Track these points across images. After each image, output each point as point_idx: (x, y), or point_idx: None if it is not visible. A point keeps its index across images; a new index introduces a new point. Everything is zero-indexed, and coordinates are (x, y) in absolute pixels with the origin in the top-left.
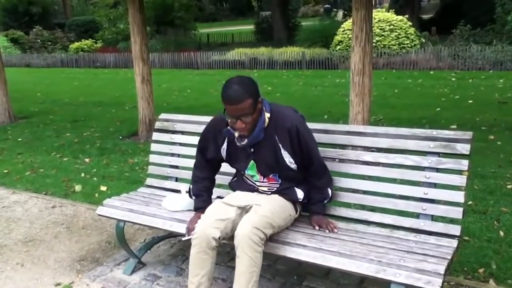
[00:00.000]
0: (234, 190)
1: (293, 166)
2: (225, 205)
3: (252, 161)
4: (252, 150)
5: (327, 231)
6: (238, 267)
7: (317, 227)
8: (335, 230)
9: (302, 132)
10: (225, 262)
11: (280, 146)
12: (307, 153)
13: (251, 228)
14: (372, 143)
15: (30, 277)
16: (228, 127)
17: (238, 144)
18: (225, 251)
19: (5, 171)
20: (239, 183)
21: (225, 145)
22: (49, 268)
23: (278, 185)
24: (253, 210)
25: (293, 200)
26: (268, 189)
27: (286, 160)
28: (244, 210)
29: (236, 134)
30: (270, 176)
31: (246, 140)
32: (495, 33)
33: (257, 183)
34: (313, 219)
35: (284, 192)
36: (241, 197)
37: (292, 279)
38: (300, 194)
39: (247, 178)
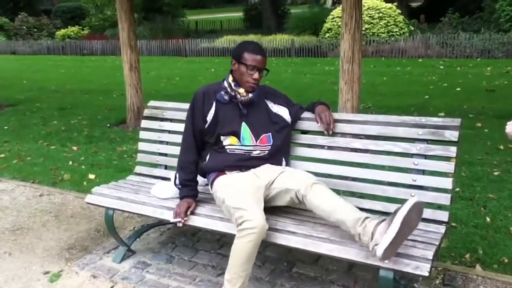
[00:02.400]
0: (211, 171)
1: (288, 118)
2: (257, 188)
3: (243, 124)
4: (245, 111)
5: (325, 132)
6: (335, 201)
7: (318, 118)
8: (330, 132)
9: (274, 91)
10: (215, 250)
11: (272, 103)
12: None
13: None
14: (361, 130)
15: (19, 265)
16: (228, 88)
17: (242, 98)
18: (215, 239)
19: None
20: (222, 158)
21: (212, 109)
22: (37, 256)
23: (270, 147)
24: (291, 173)
25: None
26: (261, 151)
27: (284, 115)
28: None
29: (241, 91)
30: (262, 136)
31: (250, 95)
32: (483, 21)
33: (250, 148)
34: (316, 110)
35: (274, 162)
36: (261, 175)
37: (282, 266)
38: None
39: (232, 148)
